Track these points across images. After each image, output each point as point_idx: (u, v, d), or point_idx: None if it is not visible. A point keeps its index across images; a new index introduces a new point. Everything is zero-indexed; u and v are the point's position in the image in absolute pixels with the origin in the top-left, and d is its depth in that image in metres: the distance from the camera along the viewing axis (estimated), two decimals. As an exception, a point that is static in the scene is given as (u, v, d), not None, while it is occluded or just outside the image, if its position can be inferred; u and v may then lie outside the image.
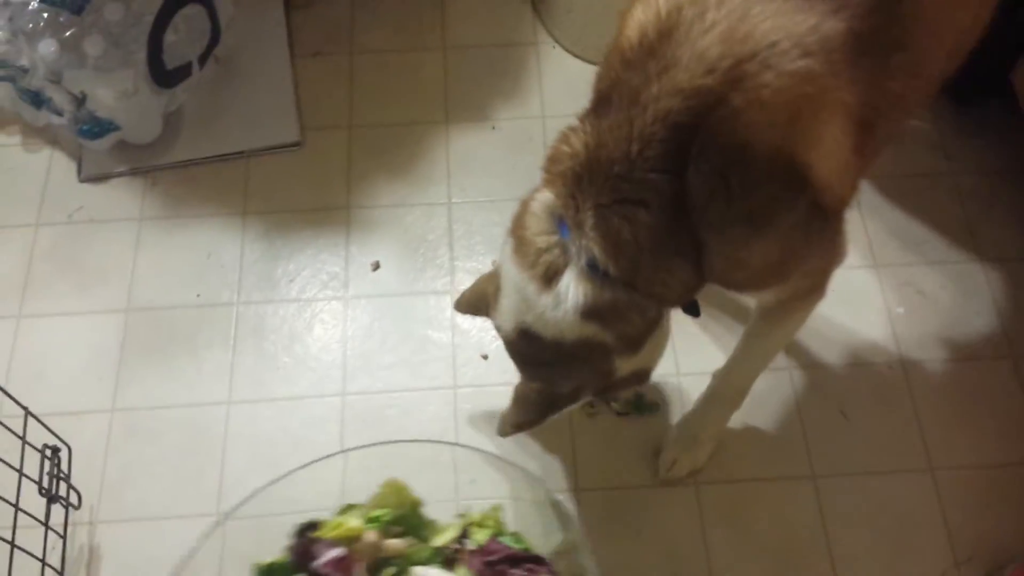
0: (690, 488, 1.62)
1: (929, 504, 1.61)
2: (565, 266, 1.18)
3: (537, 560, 1.36)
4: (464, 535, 1.40)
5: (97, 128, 1.89)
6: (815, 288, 1.33)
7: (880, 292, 1.81)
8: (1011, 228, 1.88)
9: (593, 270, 1.16)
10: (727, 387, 1.57)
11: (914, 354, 1.75)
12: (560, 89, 2.06)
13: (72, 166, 1.98)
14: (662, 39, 1.07)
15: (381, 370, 1.75)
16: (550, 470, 1.64)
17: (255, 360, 1.76)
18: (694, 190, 1.08)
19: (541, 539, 1.40)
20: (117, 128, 1.90)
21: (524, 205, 1.25)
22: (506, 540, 1.38)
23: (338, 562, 1.33)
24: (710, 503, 1.61)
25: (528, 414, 1.33)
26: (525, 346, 1.27)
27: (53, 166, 1.98)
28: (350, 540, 1.36)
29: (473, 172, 1.97)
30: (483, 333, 1.77)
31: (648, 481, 1.63)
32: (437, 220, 1.91)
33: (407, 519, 1.43)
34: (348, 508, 1.43)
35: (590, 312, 1.18)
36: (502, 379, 1.71)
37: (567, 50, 2.13)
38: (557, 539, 1.38)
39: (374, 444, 1.45)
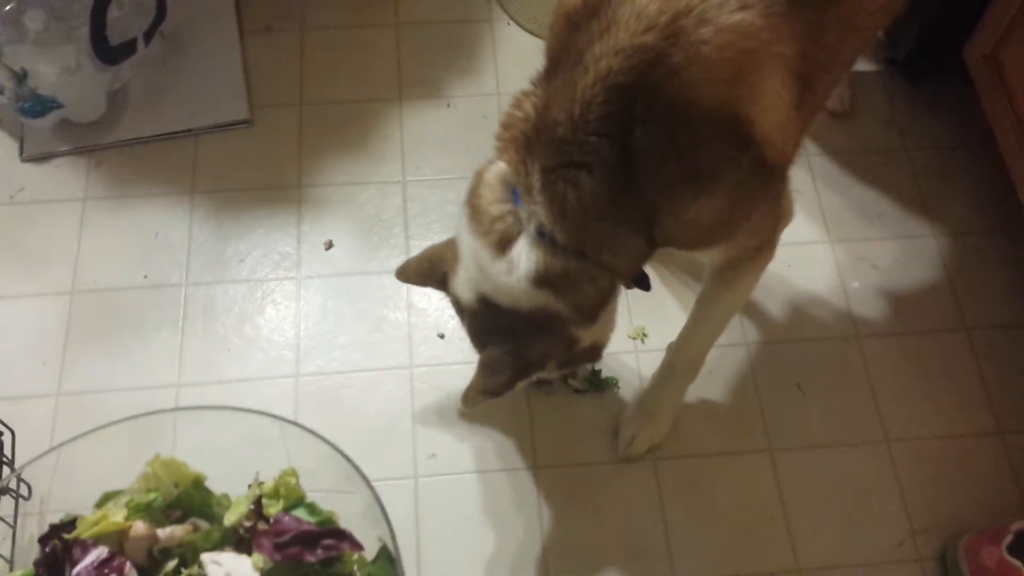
0: (648, 464, 1.61)
1: (885, 476, 1.62)
2: (518, 234, 1.18)
3: (336, 534, 1.26)
4: (259, 508, 1.29)
5: (39, 106, 1.84)
6: (763, 247, 1.34)
7: (835, 267, 1.82)
8: (964, 202, 1.89)
9: (542, 236, 1.16)
10: (682, 359, 1.56)
11: (869, 328, 1.75)
12: (515, 66, 2.04)
13: (14, 145, 1.92)
14: None
15: (335, 350, 1.72)
16: (508, 448, 1.63)
17: (204, 342, 1.72)
18: (643, 153, 1.07)
19: (341, 502, 1.31)
20: (60, 106, 1.85)
21: (478, 176, 1.25)
22: (300, 512, 1.28)
23: (102, 566, 1.18)
24: (668, 478, 1.61)
25: (497, 378, 1.28)
26: (486, 314, 1.26)
27: (-7, 146, 1.93)
28: (116, 536, 1.22)
29: (428, 150, 1.95)
30: (439, 312, 1.74)
31: (606, 458, 1.62)
32: (391, 198, 1.89)
33: (188, 498, 1.31)
34: (108, 496, 1.29)
35: (541, 280, 1.18)
36: (458, 358, 1.70)
37: (522, 27, 2.11)
38: (358, 501, 1.30)
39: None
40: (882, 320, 1.76)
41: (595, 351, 1.39)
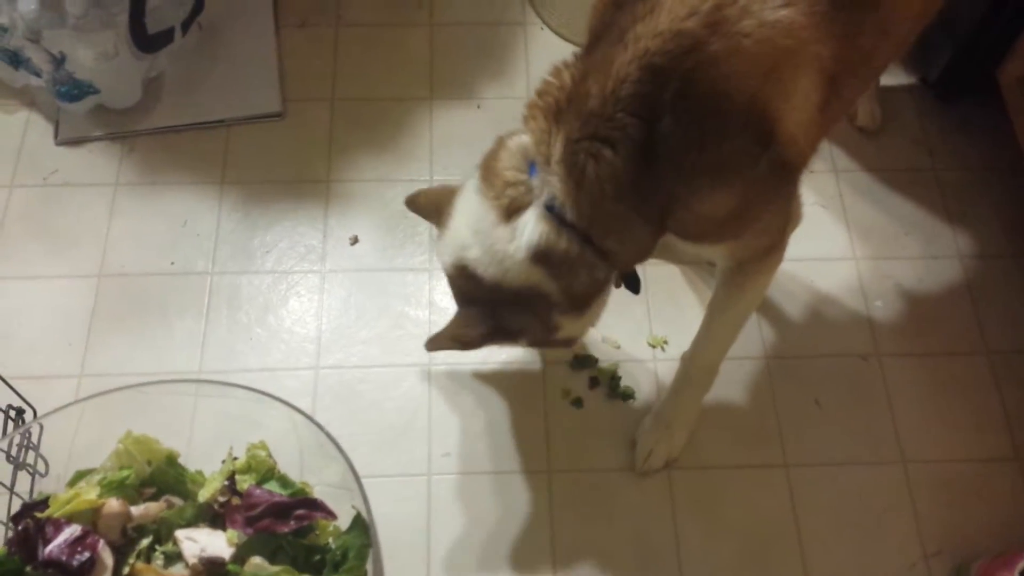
0: (662, 474, 1.61)
1: (900, 496, 1.61)
2: (528, 204, 1.17)
3: (308, 504, 1.26)
4: (233, 483, 1.30)
5: (76, 90, 1.86)
6: (772, 249, 1.33)
7: (859, 284, 1.81)
8: (990, 225, 1.88)
9: (551, 211, 1.15)
10: (696, 367, 1.55)
11: (890, 346, 1.74)
12: (547, 70, 2.03)
13: (49, 129, 1.95)
14: None
15: (356, 345, 1.73)
16: (523, 450, 1.63)
17: (228, 331, 1.74)
18: (670, 138, 1.08)
19: (316, 473, 1.31)
20: (96, 91, 1.87)
21: (499, 141, 1.24)
22: (272, 485, 1.28)
23: (75, 543, 1.17)
24: (682, 489, 1.60)
25: (470, 331, 1.26)
26: (464, 282, 1.24)
27: (29, 128, 1.95)
28: (89, 514, 1.22)
29: (456, 150, 1.95)
30: (460, 312, 1.75)
31: (619, 465, 1.62)
32: (418, 197, 1.90)
33: (162, 475, 1.30)
34: (81, 475, 1.29)
35: (541, 255, 1.17)
36: (477, 358, 1.70)
37: (555, 31, 2.12)
38: (333, 472, 1.30)
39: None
40: (903, 339, 1.75)
41: (569, 342, 1.37)
